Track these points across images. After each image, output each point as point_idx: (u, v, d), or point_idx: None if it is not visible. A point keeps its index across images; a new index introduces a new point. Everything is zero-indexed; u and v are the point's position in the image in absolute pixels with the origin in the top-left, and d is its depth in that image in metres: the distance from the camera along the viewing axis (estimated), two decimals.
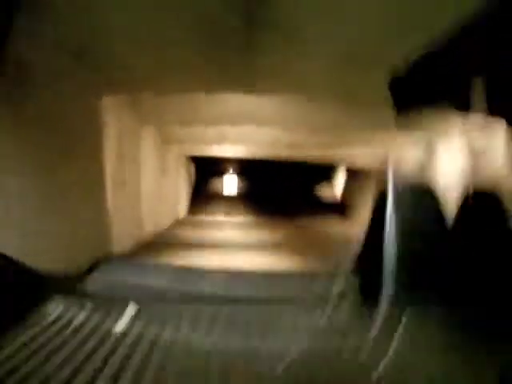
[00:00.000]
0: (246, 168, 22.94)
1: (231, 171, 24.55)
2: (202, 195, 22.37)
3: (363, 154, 15.52)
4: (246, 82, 6.33)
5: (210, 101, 7.75)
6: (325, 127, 10.11)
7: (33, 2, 3.53)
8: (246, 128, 10.53)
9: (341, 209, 21.28)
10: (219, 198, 23.49)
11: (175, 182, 14.94)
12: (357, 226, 17.03)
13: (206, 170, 23.57)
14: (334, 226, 16.48)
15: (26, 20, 3.67)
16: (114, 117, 6.96)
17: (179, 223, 14.37)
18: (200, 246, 9.35)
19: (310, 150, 14.78)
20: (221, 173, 24.32)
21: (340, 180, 23.95)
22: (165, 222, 12.51)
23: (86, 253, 5.81)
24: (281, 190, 22.66)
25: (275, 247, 9.55)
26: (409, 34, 4.26)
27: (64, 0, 3.73)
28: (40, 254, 4.37)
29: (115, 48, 4.90)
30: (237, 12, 4.00)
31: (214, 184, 24.59)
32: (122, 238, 7.38)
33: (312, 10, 3.98)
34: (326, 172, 23.95)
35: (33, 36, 4.10)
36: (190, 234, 11.84)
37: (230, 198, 23.81)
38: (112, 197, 6.84)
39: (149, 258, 7.28)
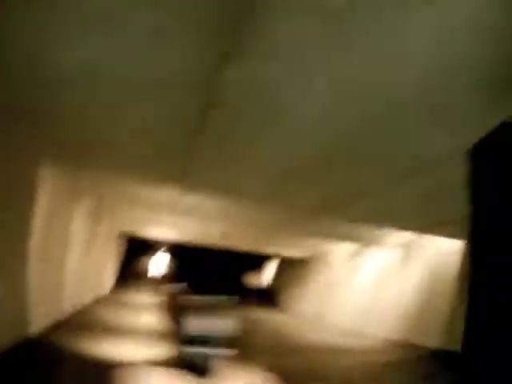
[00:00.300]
0: (178, 248, 22.69)
1: (162, 250, 24.25)
2: (131, 271, 21.84)
3: (292, 249, 15.97)
4: (181, 184, 6.50)
5: (149, 187, 7.72)
6: (254, 220, 10.33)
7: None
8: (181, 217, 10.64)
9: (269, 296, 21.28)
10: (147, 275, 23.00)
11: (103, 257, 14.54)
12: (286, 315, 17.00)
13: (137, 246, 23.13)
14: (265, 315, 16.32)
15: None
16: (47, 186, 6.75)
17: (101, 301, 13.80)
18: (116, 331, 8.90)
19: (241, 242, 15.08)
20: (152, 251, 23.93)
21: (269, 268, 24.12)
22: (86, 299, 12.02)
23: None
24: (210, 274, 22.44)
25: None
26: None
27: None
28: None
29: (60, 120, 4.86)
30: (181, 132, 4.34)
31: (144, 261, 24.14)
32: (39, 318, 6.97)
33: (249, 136, 4.26)
34: (256, 260, 24.06)
35: None
36: (109, 315, 11.33)
37: (157, 277, 23.35)
38: (33, 273, 6.49)
39: (60, 343, 6.86)
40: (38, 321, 6.88)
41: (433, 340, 8.59)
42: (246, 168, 5.44)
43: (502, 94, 3.03)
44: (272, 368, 6.73)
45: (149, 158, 5.53)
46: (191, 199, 8.09)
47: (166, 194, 7.81)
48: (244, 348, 8.17)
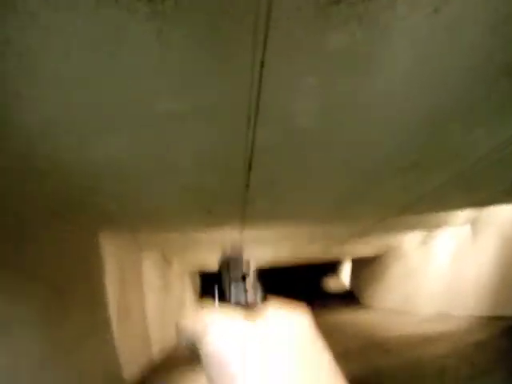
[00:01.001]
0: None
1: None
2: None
3: (364, 250, 15.86)
4: (240, 225, 6.70)
5: (211, 232, 7.96)
6: (322, 236, 10.41)
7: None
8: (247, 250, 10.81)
9: (351, 297, 21.17)
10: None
11: (180, 295, 14.88)
12: (369, 313, 16.88)
13: (212, 277, 23.45)
14: (349, 315, 16.29)
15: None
16: (114, 249, 7.11)
17: None
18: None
19: (311, 256, 15.10)
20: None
21: (346, 270, 24.03)
22: (172, 336, 12.38)
23: None
24: (289, 290, 22.50)
25: None
26: None
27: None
28: None
29: (109, 205, 5.17)
30: (231, 183, 4.44)
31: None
32: (132, 367, 7.31)
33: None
34: (331, 265, 24.06)
35: None
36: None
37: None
38: (117, 327, 6.85)
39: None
40: (131, 371, 7.23)
41: None
42: (299, 199, 5.55)
43: None
44: (364, 369, 6.80)
45: (204, 213, 5.74)
46: (254, 234, 8.26)
47: (228, 234, 8.03)
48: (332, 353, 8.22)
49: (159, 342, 10.24)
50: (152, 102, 2.60)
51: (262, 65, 2.30)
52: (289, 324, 0.47)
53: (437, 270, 13.16)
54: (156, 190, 4.56)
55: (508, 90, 3.10)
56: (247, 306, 0.48)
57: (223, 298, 0.49)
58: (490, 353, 7.03)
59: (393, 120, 3.38)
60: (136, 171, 3.87)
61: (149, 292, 9.54)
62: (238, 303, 0.50)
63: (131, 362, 7.38)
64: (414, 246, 14.76)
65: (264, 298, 0.51)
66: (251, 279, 0.52)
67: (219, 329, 0.44)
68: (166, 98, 2.59)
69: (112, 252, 7.07)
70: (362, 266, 20.16)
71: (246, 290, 0.51)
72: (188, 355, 0.47)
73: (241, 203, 5.25)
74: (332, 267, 25.65)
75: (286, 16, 1.96)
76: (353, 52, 2.34)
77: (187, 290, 17.28)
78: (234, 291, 0.50)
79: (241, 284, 0.52)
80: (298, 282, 23.33)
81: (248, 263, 0.51)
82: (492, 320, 9.46)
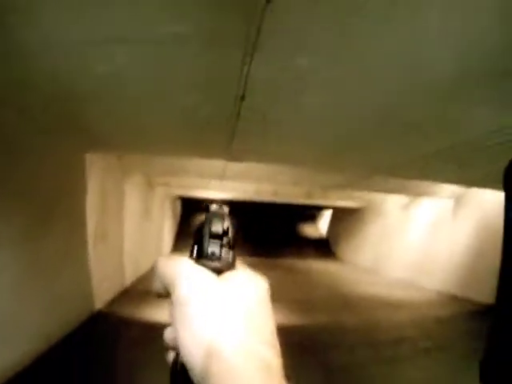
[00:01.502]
0: (232, 206, 23.09)
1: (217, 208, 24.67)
2: (188, 231, 22.44)
3: (345, 201, 15.98)
4: (227, 157, 6.64)
5: (197, 160, 7.94)
6: (307, 181, 10.44)
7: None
8: (231, 182, 10.85)
9: (326, 246, 21.52)
10: None
11: (160, 222, 15.06)
12: (341, 265, 17.24)
13: (192, 205, 23.79)
14: (321, 265, 16.60)
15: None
16: (97, 171, 7.11)
17: None
18: None
19: (293, 198, 15.20)
20: (207, 209, 24.38)
21: (325, 218, 24.27)
22: (148, 263, 12.58)
23: (69, 314, 5.92)
24: (266, 229, 22.78)
25: None
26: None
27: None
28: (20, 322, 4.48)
29: (101, 124, 5.08)
30: (220, 116, 4.39)
31: (200, 220, 24.68)
32: (103, 292, 7.48)
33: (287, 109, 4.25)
34: (310, 210, 24.25)
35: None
36: None
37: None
38: (94, 252, 6.96)
39: (122, 313, 7.33)
40: (103, 295, 7.39)
41: (484, 295, 8.35)
42: (291, 139, 5.49)
43: None
44: (325, 320, 7.00)
45: (192, 140, 5.68)
46: (239, 167, 8.25)
47: (214, 164, 7.96)
48: (298, 302, 8.51)
49: (134, 268, 10.42)
50: (155, 21, 2.55)
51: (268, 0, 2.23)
52: (249, 286, 0.50)
53: (413, 237, 13.38)
54: (148, 111, 4.48)
55: None
56: (218, 261, 0.51)
57: (199, 249, 0.51)
58: (448, 330, 7.26)
59: (395, 79, 3.31)
60: (131, 90, 3.79)
61: (129, 216, 9.61)
62: (211, 257, 0.52)
63: (104, 286, 7.53)
64: (395, 208, 14.93)
65: (234, 258, 0.53)
66: (229, 238, 0.54)
67: (188, 276, 0.47)
68: (169, 20, 2.54)
69: (96, 174, 7.07)
70: (342, 218, 20.42)
71: (221, 246, 0.53)
72: (159, 292, 0.51)
73: (230, 134, 5.20)
74: (312, 213, 25.91)
75: None
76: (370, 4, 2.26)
77: (167, 216, 17.44)
78: (211, 245, 0.52)
79: (218, 240, 0.53)
80: (277, 223, 23.64)
81: (229, 222, 0.53)
82: (456, 300, 9.72)
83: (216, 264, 0.59)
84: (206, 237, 0.61)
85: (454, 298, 9.87)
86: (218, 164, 7.89)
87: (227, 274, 0.58)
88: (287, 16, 2.42)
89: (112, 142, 6.09)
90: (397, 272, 13.41)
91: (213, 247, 0.60)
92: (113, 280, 8.41)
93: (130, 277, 9.94)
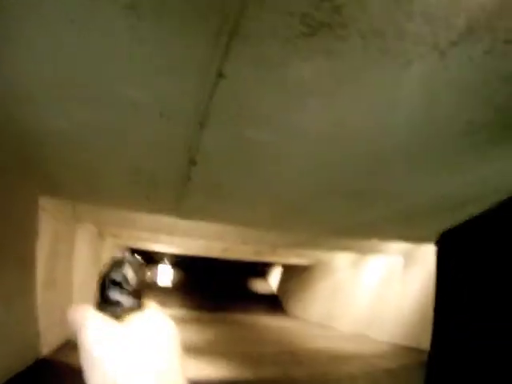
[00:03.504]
0: (181, 260, 22.86)
1: (166, 262, 24.36)
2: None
3: (295, 259, 16.10)
4: (176, 214, 6.71)
5: (147, 215, 7.94)
6: (256, 240, 10.54)
7: None
8: (181, 237, 10.83)
9: (276, 302, 21.38)
10: (153, 288, 23.10)
11: None
12: (291, 320, 17.11)
13: (142, 257, 23.44)
14: (271, 321, 16.44)
15: None
16: (50, 216, 6.98)
17: None
18: None
19: (243, 255, 15.23)
20: (156, 262, 24.06)
21: (276, 275, 24.21)
22: None
23: (13, 359, 5.69)
24: (216, 284, 22.55)
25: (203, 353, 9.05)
26: None
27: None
28: None
29: (56, 171, 5.08)
30: (174, 171, 4.41)
31: (151, 272, 24.24)
32: (50, 339, 7.22)
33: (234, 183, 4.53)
34: (261, 267, 24.23)
35: None
36: None
37: (164, 289, 23.42)
38: (42, 297, 6.74)
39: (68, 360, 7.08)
40: (50, 342, 7.15)
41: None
42: (239, 201, 5.60)
43: (487, 139, 3.05)
44: (274, 375, 6.90)
45: (143, 196, 5.68)
46: (189, 224, 8.25)
47: (165, 219, 7.95)
48: (248, 357, 8.37)
49: None
50: (115, 85, 2.62)
51: (220, 75, 2.33)
52: (156, 329, 0.52)
53: (363, 292, 13.50)
54: (101, 166, 4.52)
55: (462, 149, 3.23)
56: (118, 307, 0.51)
57: (102, 294, 0.51)
58: (397, 380, 7.27)
59: (341, 150, 3.45)
60: (87, 144, 3.83)
61: (78, 265, 9.40)
62: (112, 303, 0.52)
63: (51, 333, 7.27)
64: (344, 264, 15.08)
65: (140, 304, 0.53)
66: (132, 284, 0.54)
67: (89, 323, 0.49)
68: (129, 86, 2.62)
69: (48, 219, 6.94)
70: (292, 274, 20.40)
71: (123, 293, 0.53)
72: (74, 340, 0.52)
73: (179, 194, 5.25)
74: (262, 269, 25.85)
75: (256, 34, 1.98)
76: (315, 83, 2.39)
77: None
78: (113, 293, 0.52)
79: (118, 287, 0.53)
80: (227, 279, 23.43)
81: (134, 267, 0.53)
82: (405, 350, 9.79)
83: (115, 310, 0.60)
84: (108, 284, 0.62)
85: (403, 349, 9.91)
86: (168, 220, 7.87)
87: (131, 319, 0.60)
88: (238, 90, 2.53)
89: (66, 189, 6.03)
90: (347, 326, 13.42)
91: (113, 294, 0.61)
92: (60, 327, 8.14)
93: None
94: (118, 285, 0.61)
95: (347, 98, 2.55)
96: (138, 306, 0.63)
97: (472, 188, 4.18)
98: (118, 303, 0.60)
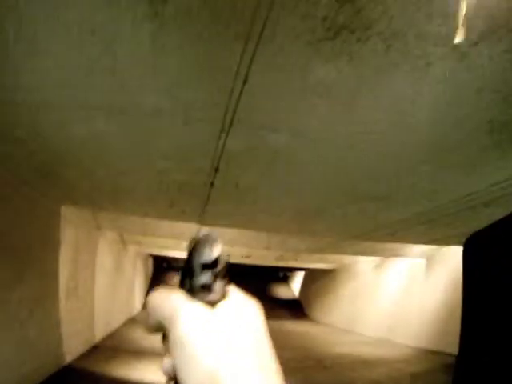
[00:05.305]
0: None
1: None
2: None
3: (318, 263, 16.05)
4: (199, 221, 6.75)
5: (169, 222, 8.00)
6: (279, 245, 10.53)
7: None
8: None
9: (298, 307, 21.29)
10: None
11: (131, 279, 14.80)
12: (314, 325, 17.02)
13: (165, 264, 23.65)
14: (294, 326, 16.37)
15: None
16: (72, 224, 7.06)
17: (133, 321, 14.02)
18: (150, 353, 9.06)
19: (265, 261, 15.21)
20: (179, 268, 24.11)
21: (298, 279, 24.12)
22: (118, 320, 12.30)
23: (37, 367, 5.75)
24: (239, 286, 22.52)
25: None
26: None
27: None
28: None
29: (78, 181, 5.15)
30: (198, 179, 4.45)
31: (172, 278, 24.30)
32: (73, 346, 7.28)
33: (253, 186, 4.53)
34: (283, 272, 24.18)
35: None
36: (140, 335, 11.50)
37: None
38: (65, 305, 6.81)
39: (92, 368, 7.12)
40: (73, 350, 7.20)
41: (457, 347, 8.44)
42: (262, 206, 5.59)
43: (509, 138, 3.04)
44: (301, 382, 6.86)
45: (165, 204, 5.71)
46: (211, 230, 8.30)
47: (187, 226, 8.01)
48: None
49: (104, 323, 10.18)
50: (136, 93, 2.65)
51: (245, 81, 2.35)
52: (245, 314, 0.49)
53: (386, 295, 13.39)
54: (124, 174, 4.56)
55: (484, 146, 3.22)
56: (211, 293, 0.49)
57: (190, 280, 0.48)
58: None
59: (362, 152, 3.44)
60: (111, 154, 3.89)
61: (100, 272, 9.47)
62: (203, 289, 0.49)
63: (74, 341, 7.34)
64: (367, 268, 14.97)
65: (227, 286, 0.51)
66: (220, 266, 0.51)
67: (185, 311, 0.46)
68: (153, 95, 2.65)
69: (71, 227, 7.02)
70: (314, 279, 20.31)
71: (214, 275, 0.50)
72: (153, 329, 0.49)
73: (203, 200, 5.29)
74: (285, 274, 25.81)
75: (280, 38, 2.01)
76: (337, 86, 2.40)
77: (139, 273, 17.19)
78: (202, 276, 0.49)
79: (209, 270, 0.51)
80: (249, 284, 23.40)
81: (219, 249, 0.50)
82: (430, 354, 9.67)
83: (209, 296, 0.56)
84: (197, 268, 0.58)
85: (428, 353, 9.79)
86: (190, 227, 7.91)
87: (222, 304, 0.56)
88: (261, 95, 2.56)
89: (88, 198, 6.10)
90: (371, 331, 13.32)
91: (205, 279, 0.57)
92: (83, 335, 8.19)
93: (100, 332, 9.69)
94: (208, 268, 0.56)
95: (369, 100, 2.56)
96: (227, 288, 0.58)
97: (496, 188, 4.14)
98: (210, 288, 0.56)
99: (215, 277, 0.56)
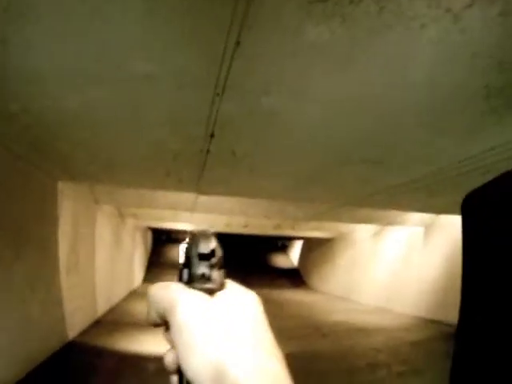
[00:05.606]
0: None
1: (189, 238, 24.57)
2: (159, 262, 22.19)
3: (316, 232, 16.12)
4: (197, 190, 6.77)
5: (166, 193, 7.99)
6: (277, 213, 10.55)
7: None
8: (201, 214, 10.88)
9: (297, 276, 21.49)
10: (175, 265, 23.31)
11: (131, 252, 14.89)
12: (313, 294, 17.20)
13: (163, 236, 23.75)
14: (293, 295, 16.54)
15: None
16: (69, 199, 7.05)
17: (134, 294, 14.15)
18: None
19: (263, 230, 15.29)
20: (177, 240, 24.27)
21: (296, 248, 24.30)
22: (119, 294, 12.40)
23: (42, 343, 5.80)
24: (237, 260, 22.69)
25: None
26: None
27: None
28: None
29: (73, 154, 5.11)
30: (193, 145, 4.41)
31: (171, 251, 24.46)
32: (76, 322, 7.34)
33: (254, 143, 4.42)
34: (281, 241, 24.32)
35: None
36: (141, 309, 11.61)
37: None
38: (66, 280, 6.84)
39: (95, 342, 7.19)
40: (76, 325, 7.27)
41: (456, 316, 8.51)
42: (259, 173, 5.58)
43: (505, 103, 3.03)
44: (300, 349, 6.95)
45: (162, 173, 5.70)
46: (209, 200, 8.30)
47: (185, 196, 8.02)
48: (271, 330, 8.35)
49: (105, 297, 10.25)
50: (125, 60, 2.63)
51: (238, 44, 2.32)
52: (244, 302, 0.50)
53: (384, 264, 13.49)
54: (118, 144, 4.55)
55: (481, 111, 3.20)
56: (209, 282, 0.50)
57: (189, 271, 0.50)
58: (422, 353, 7.27)
59: (358, 114, 3.44)
60: (105, 123, 3.86)
61: (100, 246, 9.50)
62: (202, 279, 0.51)
63: (76, 316, 7.39)
64: (365, 236, 15.06)
65: (224, 277, 0.53)
66: (217, 257, 0.53)
67: (184, 301, 0.47)
68: (144, 60, 2.62)
69: (68, 202, 7.01)
70: (312, 248, 20.48)
71: (211, 267, 0.52)
72: (155, 321, 0.50)
73: (199, 168, 5.28)
74: (283, 243, 25.97)
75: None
76: (330, 47, 2.38)
77: (138, 247, 17.27)
78: (200, 267, 0.51)
79: (206, 261, 0.53)
80: (248, 254, 23.57)
81: (215, 242, 0.52)
82: (429, 323, 9.78)
83: (207, 285, 0.58)
84: (195, 259, 0.60)
85: (427, 322, 9.91)
86: (188, 197, 7.93)
87: (221, 294, 0.57)
88: (254, 58, 2.54)
89: (84, 171, 6.08)
90: (369, 299, 13.46)
91: (202, 269, 0.59)
92: (85, 310, 8.26)
93: (102, 307, 9.77)
94: (205, 259, 0.60)
95: (362, 62, 2.57)
96: (224, 278, 0.61)
97: (493, 154, 4.13)
98: (208, 278, 0.59)
99: (212, 267, 0.60)
